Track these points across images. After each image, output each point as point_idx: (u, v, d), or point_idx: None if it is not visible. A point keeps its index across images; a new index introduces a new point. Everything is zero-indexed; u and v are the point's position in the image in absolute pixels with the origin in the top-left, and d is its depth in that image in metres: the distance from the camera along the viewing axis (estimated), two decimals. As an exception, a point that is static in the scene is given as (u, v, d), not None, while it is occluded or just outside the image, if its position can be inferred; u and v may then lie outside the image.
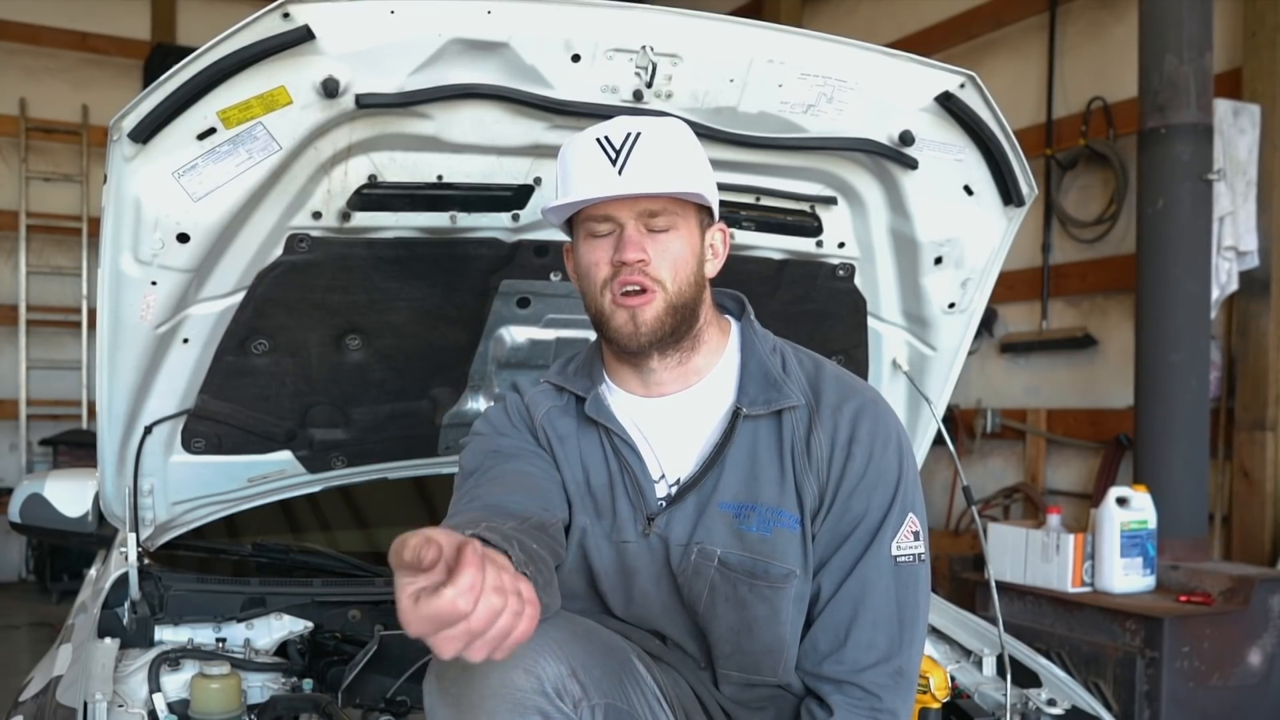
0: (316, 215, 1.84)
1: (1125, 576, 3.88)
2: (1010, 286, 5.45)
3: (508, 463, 1.57)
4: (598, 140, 1.48)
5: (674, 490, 1.56)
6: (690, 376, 1.58)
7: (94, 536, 2.47)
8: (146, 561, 2.05)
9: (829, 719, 1.49)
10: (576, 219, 1.54)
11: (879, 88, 1.88)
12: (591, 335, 1.73)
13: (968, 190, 2.06)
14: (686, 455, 1.57)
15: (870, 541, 1.50)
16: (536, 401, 1.64)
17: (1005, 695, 2.01)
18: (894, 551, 1.51)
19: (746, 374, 1.58)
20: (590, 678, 1.37)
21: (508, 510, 1.45)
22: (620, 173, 1.46)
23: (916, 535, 1.53)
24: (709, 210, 1.56)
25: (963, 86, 1.90)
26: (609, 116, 1.56)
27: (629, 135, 1.48)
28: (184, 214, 1.71)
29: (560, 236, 2.01)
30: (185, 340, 1.91)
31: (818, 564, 1.52)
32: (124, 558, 2.03)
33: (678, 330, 1.52)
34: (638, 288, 1.49)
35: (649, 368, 1.56)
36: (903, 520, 1.52)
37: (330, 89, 1.63)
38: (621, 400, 1.60)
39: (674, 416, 1.58)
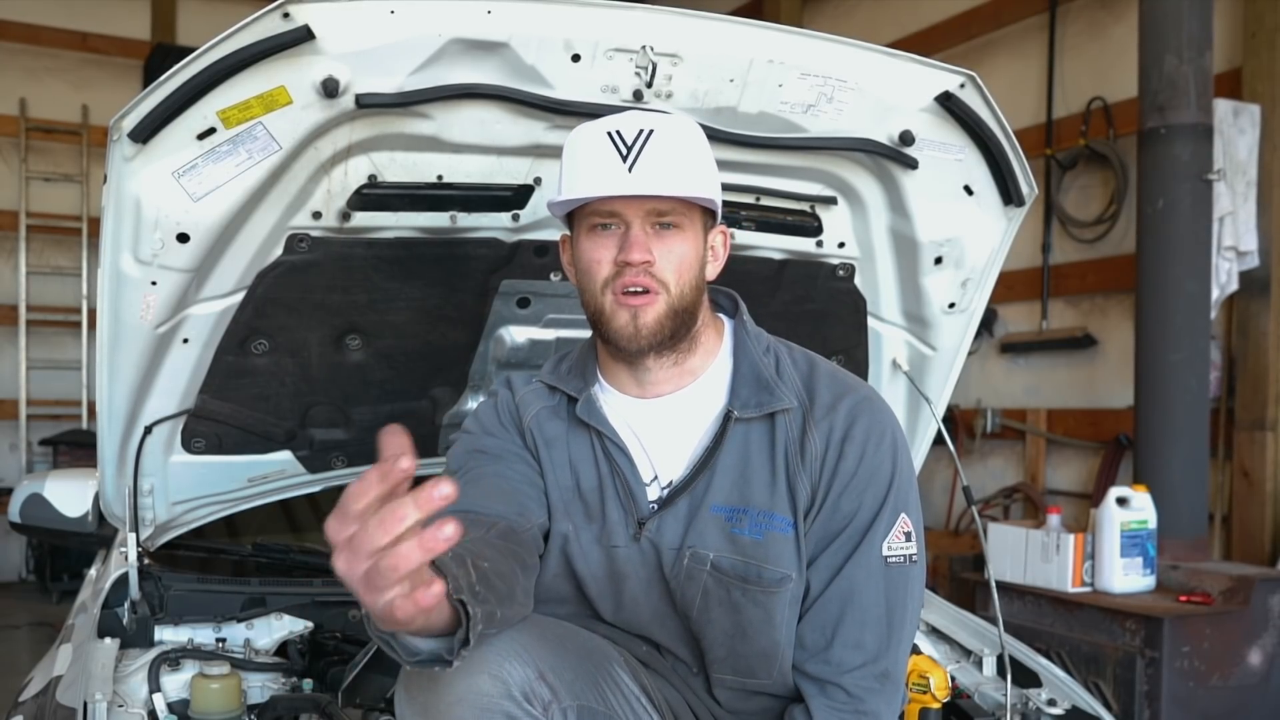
0: (316, 215, 1.84)
1: (1125, 576, 3.88)
2: (1010, 286, 5.45)
3: (489, 465, 1.56)
4: (609, 134, 1.45)
5: (665, 493, 1.54)
6: (685, 377, 1.57)
7: (94, 536, 2.47)
8: (146, 561, 2.05)
9: None
10: (579, 212, 1.51)
11: (879, 88, 1.88)
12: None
13: (968, 190, 2.06)
14: (678, 458, 1.55)
15: (860, 540, 1.48)
16: (527, 402, 1.62)
17: (1005, 695, 2.01)
18: (885, 551, 1.49)
19: (739, 376, 1.56)
20: (561, 680, 1.36)
21: (479, 516, 1.43)
22: (630, 170, 1.43)
23: (909, 536, 1.50)
24: (713, 212, 1.54)
25: (963, 86, 1.90)
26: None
27: (641, 132, 1.44)
28: (184, 214, 1.71)
29: (559, 236, 2.02)
30: (185, 340, 1.91)
31: (808, 562, 1.50)
32: (124, 558, 2.03)
33: (677, 333, 1.51)
34: (641, 289, 1.46)
35: (644, 367, 1.54)
36: (895, 520, 1.50)
37: (330, 89, 1.63)
38: (614, 401, 1.59)
39: (667, 418, 1.56)
